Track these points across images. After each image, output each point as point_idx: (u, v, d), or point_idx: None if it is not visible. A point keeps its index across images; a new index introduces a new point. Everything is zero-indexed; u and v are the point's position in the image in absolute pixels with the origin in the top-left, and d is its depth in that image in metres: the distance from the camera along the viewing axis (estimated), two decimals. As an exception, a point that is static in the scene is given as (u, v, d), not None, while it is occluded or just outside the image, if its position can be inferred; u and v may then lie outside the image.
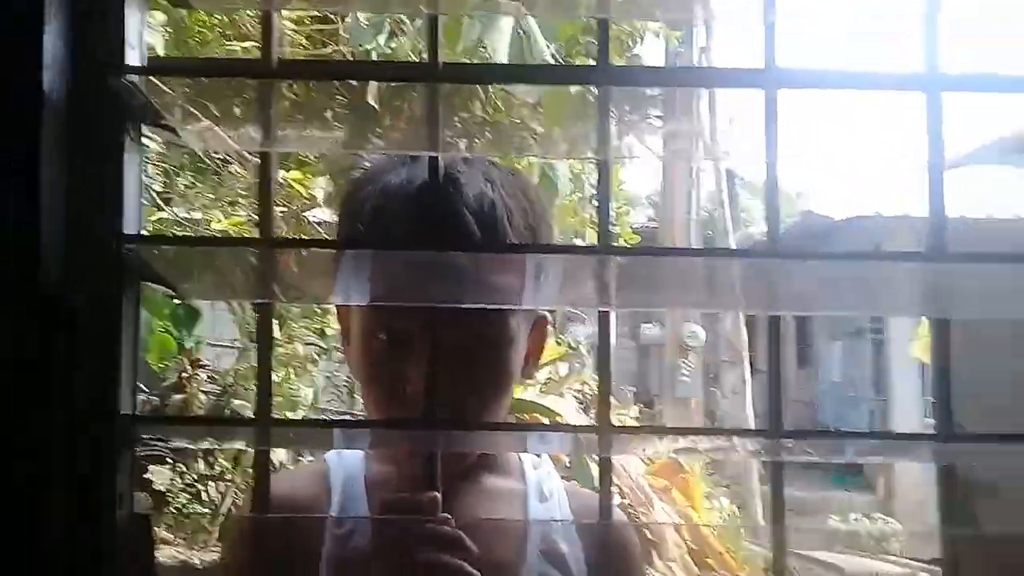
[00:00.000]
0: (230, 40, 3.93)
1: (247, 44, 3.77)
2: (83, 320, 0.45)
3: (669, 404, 9.08)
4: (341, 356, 0.89)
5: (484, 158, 0.90)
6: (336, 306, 0.96)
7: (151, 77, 0.59)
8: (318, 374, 4.19)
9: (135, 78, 0.55)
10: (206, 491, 3.21)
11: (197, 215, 4.07)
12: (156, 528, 2.90)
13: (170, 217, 3.98)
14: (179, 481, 3.30)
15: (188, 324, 5.09)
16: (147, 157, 3.95)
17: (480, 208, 0.79)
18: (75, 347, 0.44)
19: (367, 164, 0.92)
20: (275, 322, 3.63)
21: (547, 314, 0.92)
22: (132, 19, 0.53)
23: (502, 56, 2.77)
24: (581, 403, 3.47)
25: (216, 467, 3.34)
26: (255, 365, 0.54)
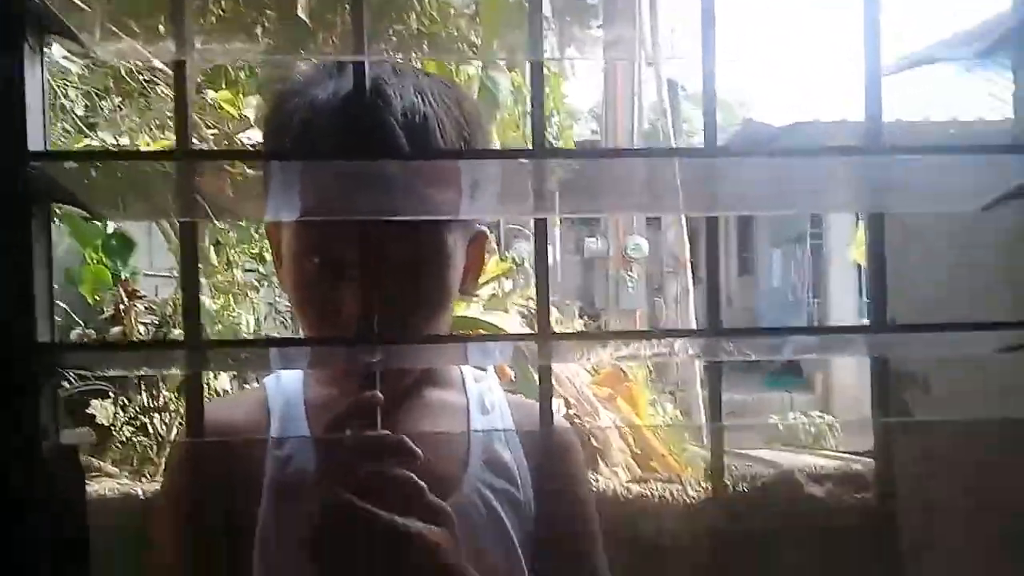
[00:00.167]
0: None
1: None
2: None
3: (614, 316, 9.21)
4: (282, 281, 0.86)
5: (416, 68, 0.87)
6: (266, 227, 0.94)
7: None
8: (259, 301, 4.13)
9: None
10: (151, 423, 3.17)
11: (124, 140, 3.91)
12: (93, 460, 2.88)
13: (97, 144, 3.82)
14: (122, 415, 3.26)
15: (123, 254, 4.96)
16: (68, 81, 3.75)
17: (410, 120, 0.76)
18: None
19: (295, 77, 0.88)
20: (212, 248, 3.55)
21: (485, 228, 0.91)
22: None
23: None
24: (525, 318, 3.49)
25: (160, 399, 3.30)
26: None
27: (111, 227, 4.56)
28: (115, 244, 4.80)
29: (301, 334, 0.83)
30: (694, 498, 1.49)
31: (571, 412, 2.95)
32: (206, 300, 3.70)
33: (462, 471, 0.84)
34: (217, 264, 3.98)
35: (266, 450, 0.83)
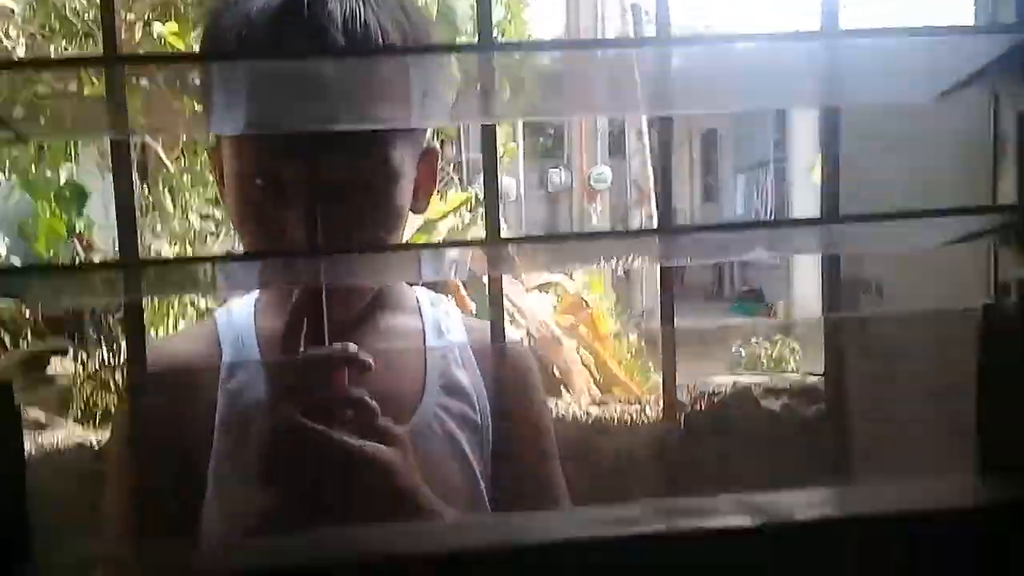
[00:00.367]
0: None
1: None
2: None
3: (580, 249, 9.22)
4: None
5: None
6: (209, 152, 0.90)
7: None
8: (219, 248, 4.06)
9: None
10: (112, 379, 3.14)
11: (72, 85, 3.78)
12: (56, 417, 2.85)
13: (43, 89, 3.68)
14: (82, 371, 3.22)
15: (76, 205, 4.84)
16: (10, 20, 3.60)
17: (351, 27, 0.73)
18: None
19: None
20: (166, 193, 3.45)
21: (436, 145, 0.88)
22: None
23: None
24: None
25: (120, 356, 3.26)
26: (149, 242, 0.50)
27: (62, 177, 4.44)
28: (67, 194, 4.68)
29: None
30: (652, 419, 1.51)
31: (533, 344, 2.96)
32: (164, 247, 3.63)
33: (419, 394, 0.84)
34: (172, 211, 3.90)
35: (217, 382, 0.81)
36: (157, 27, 3.45)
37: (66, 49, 3.98)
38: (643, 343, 4.11)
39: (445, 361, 0.86)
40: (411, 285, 0.95)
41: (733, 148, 14.21)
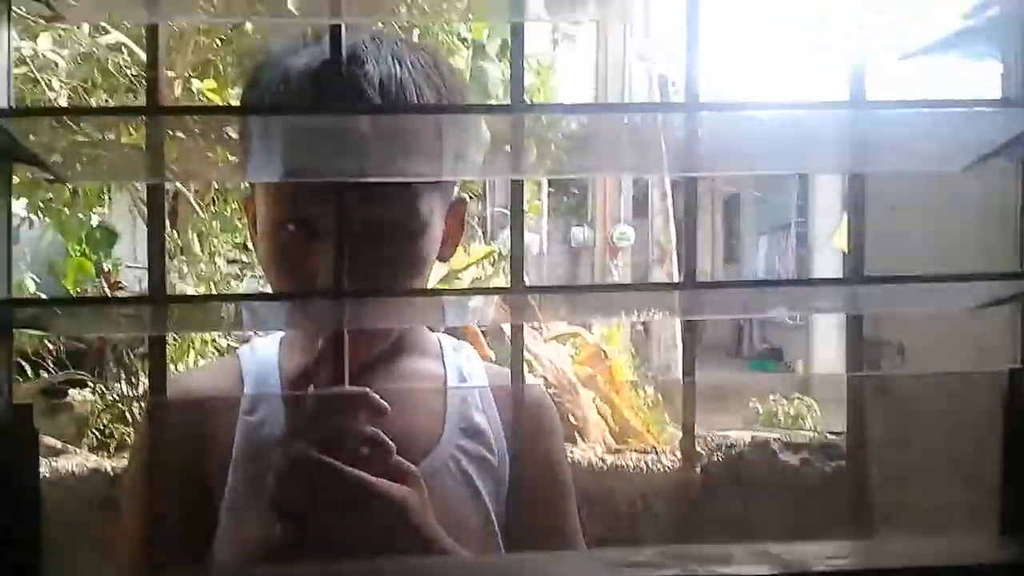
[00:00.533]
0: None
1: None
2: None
3: (601, 305, 9.20)
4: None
5: (394, 36, 0.85)
6: (242, 201, 0.93)
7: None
8: (242, 289, 4.10)
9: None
10: (129, 412, 3.16)
11: (111, 134, 3.87)
12: (70, 447, 2.86)
13: (82, 138, 3.78)
14: (100, 403, 3.24)
15: (105, 246, 4.92)
16: (55, 73, 3.70)
17: (387, 87, 0.75)
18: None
19: (270, 49, 0.86)
20: (194, 237, 3.51)
21: (464, 196, 0.90)
22: None
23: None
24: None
25: (139, 387, 3.28)
26: (175, 284, 0.51)
27: (95, 219, 4.52)
28: (98, 236, 4.77)
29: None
30: (668, 468, 1.50)
31: (552, 392, 2.96)
32: (188, 289, 3.67)
33: (437, 435, 0.84)
34: (200, 254, 3.96)
35: (237, 415, 0.82)
36: (196, 84, 3.54)
37: (107, 102, 4.09)
38: (660, 396, 4.07)
39: (465, 403, 0.87)
40: (433, 331, 0.96)
41: (756, 211, 14.23)
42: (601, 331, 3.87)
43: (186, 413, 0.79)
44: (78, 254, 4.58)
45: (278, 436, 0.75)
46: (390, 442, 0.66)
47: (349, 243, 0.60)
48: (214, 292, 3.72)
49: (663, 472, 1.49)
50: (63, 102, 3.92)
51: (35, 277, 4.75)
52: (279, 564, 0.65)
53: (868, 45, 0.54)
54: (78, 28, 3.63)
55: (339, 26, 0.59)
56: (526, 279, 0.53)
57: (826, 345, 10.10)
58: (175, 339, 3.26)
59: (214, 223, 3.92)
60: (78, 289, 4.48)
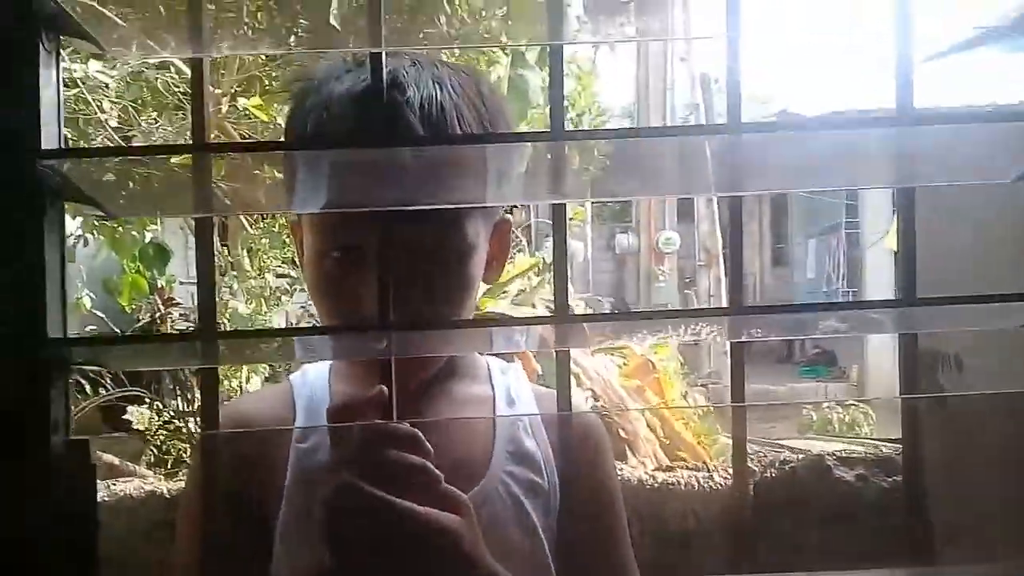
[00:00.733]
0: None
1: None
2: (2, 242, 0.42)
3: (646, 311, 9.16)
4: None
5: (435, 59, 0.86)
6: (290, 225, 0.94)
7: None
8: (292, 305, 4.17)
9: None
10: (185, 427, 3.22)
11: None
12: (129, 464, 2.92)
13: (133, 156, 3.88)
14: (157, 419, 3.32)
15: (158, 263, 5.04)
16: (105, 94, 3.81)
17: (428, 111, 0.75)
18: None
19: (313, 74, 0.87)
20: (244, 253, 3.57)
21: (509, 217, 0.90)
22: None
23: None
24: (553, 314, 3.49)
25: (194, 403, 3.35)
26: (227, 299, 0.52)
27: (147, 237, 4.64)
28: (151, 253, 4.88)
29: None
30: (720, 485, 1.47)
31: (599, 404, 2.94)
32: (239, 305, 3.74)
33: (486, 461, 0.84)
34: (250, 270, 4.03)
35: (289, 444, 0.83)
36: (242, 100, 3.60)
37: (155, 121, 4.18)
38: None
39: (514, 428, 0.87)
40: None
41: (804, 213, 14.02)
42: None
43: (239, 442, 0.80)
44: (132, 271, 4.69)
45: (330, 464, 0.76)
46: (437, 472, 0.66)
47: (396, 267, 0.61)
48: (264, 307, 3.78)
49: (715, 490, 1.46)
50: (113, 123, 4.03)
51: (91, 294, 4.88)
52: None
53: (911, 52, 0.53)
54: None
55: (380, 54, 0.60)
56: (571, 288, 0.53)
57: (880, 349, 9.90)
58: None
59: (263, 239, 3.99)
60: (133, 305, 4.59)
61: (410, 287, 0.72)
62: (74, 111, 3.67)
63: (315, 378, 0.89)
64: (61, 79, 0.54)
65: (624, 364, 3.34)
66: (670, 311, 0.54)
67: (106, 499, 1.42)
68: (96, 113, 3.80)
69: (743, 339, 0.53)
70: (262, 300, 3.81)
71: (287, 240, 4.01)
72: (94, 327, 4.81)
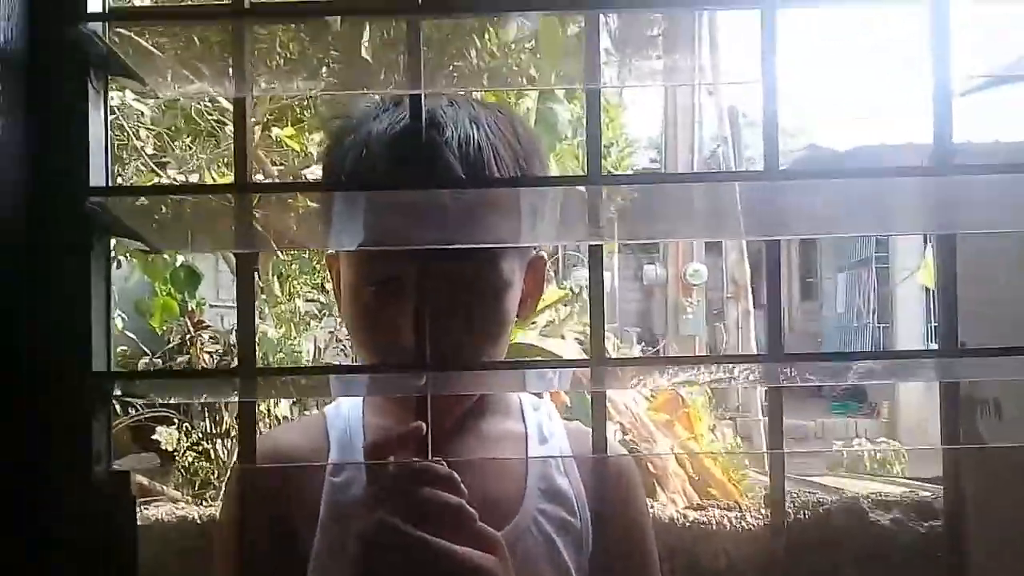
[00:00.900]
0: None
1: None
2: (50, 276, 0.43)
3: (673, 342, 9.10)
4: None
5: (471, 99, 0.87)
6: (327, 258, 0.95)
7: (116, 27, 0.57)
8: (320, 330, 4.19)
9: (96, 26, 0.53)
10: (213, 449, 3.24)
11: (194, 177, 4.04)
12: (156, 484, 2.94)
13: (166, 181, 3.96)
14: (186, 440, 3.34)
15: (189, 286, 5.10)
16: (140, 122, 3.88)
17: (465, 150, 0.76)
18: (44, 304, 0.43)
19: (351, 113, 0.89)
20: (275, 279, 3.61)
21: (544, 254, 0.90)
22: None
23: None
24: (582, 344, 3.48)
25: (223, 425, 3.37)
26: (256, 322, 0.53)
27: (179, 260, 4.70)
28: (182, 276, 4.94)
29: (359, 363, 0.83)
30: (753, 526, 1.45)
31: (628, 438, 2.91)
32: (269, 329, 3.77)
33: (519, 499, 0.84)
34: (280, 295, 4.06)
35: (323, 476, 0.83)
36: (276, 130, 3.66)
37: (190, 148, 4.25)
38: (739, 439, 3.99)
39: (546, 467, 0.86)
40: None
41: (833, 245, 13.87)
42: (676, 372, 3.79)
43: (273, 474, 0.81)
44: (164, 294, 4.75)
45: (366, 500, 0.76)
46: (472, 510, 0.66)
47: (433, 301, 0.61)
48: (293, 332, 3.80)
49: (748, 531, 1.44)
50: (149, 150, 4.10)
51: (123, 315, 4.95)
52: None
53: (949, 88, 0.52)
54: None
55: (419, 97, 0.61)
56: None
57: (912, 386, 9.72)
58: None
59: (293, 265, 4.02)
60: (164, 327, 4.64)
61: (447, 321, 0.72)
62: (111, 139, 3.74)
63: (349, 410, 0.89)
64: (108, 117, 0.56)
65: (652, 397, 3.32)
66: (704, 357, 0.54)
67: (139, 524, 1.43)
68: (131, 140, 3.87)
69: (779, 384, 0.53)
70: (292, 325, 3.84)
71: (317, 266, 4.05)
72: (125, 347, 4.87)
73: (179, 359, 4.27)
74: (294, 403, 3.41)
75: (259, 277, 4.09)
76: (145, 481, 3.05)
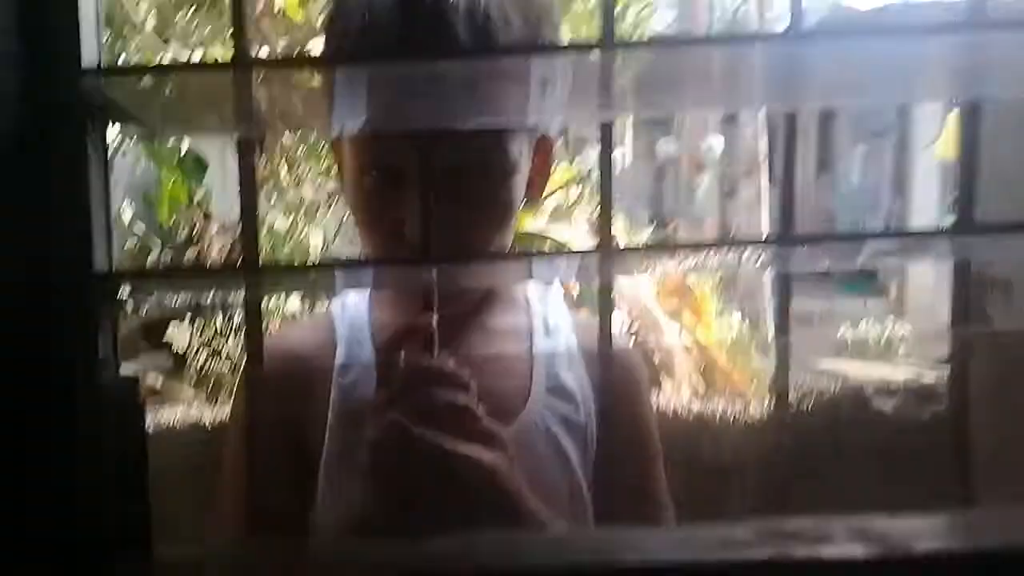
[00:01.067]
0: None
1: None
2: (44, 168, 0.42)
3: (685, 223, 9.04)
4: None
5: None
6: (331, 143, 0.92)
7: None
8: (330, 218, 4.17)
9: None
10: (226, 345, 3.27)
11: (198, 53, 3.93)
12: (169, 383, 2.99)
13: (171, 57, 3.85)
14: (198, 338, 3.37)
15: (196, 174, 5.06)
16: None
17: (472, 14, 0.72)
18: (37, 198, 0.41)
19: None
20: (282, 163, 3.56)
21: (552, 134, 0.87)
22: None
23: None
24: (593, 227, 3.45)
25: (235, 320, 3.39)
26: (264, 213, 0.52)
27: (184, 147, 4.64)
28: (189, 164, 4.90)
29: (364, 252, 0.82)
30: (757, 417, 1.47)
31: (635, 326, 2.93)
32: (277, 219, 3.75)
33: (525, 396, 0.84)
34: (287, 182, 4.02)
35: (331, 376, 0.83)
36: (278, 2, 3.54)
37: (193, 19, 4.11)
38: (747, 323, 4.01)
39: (552, 362, 0.86)
40: None
41: (852, 115, 13.56)
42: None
43: (282, 376, 0.81)
44: (171, 182, 4.72)
45: (371, 399, 0.76)
46: (477, 409, 0.66)
47: (437, 188, 0.60)
48: (301, 222, 3.78)
49: (751, 423, 1.46)
50: (151, 23, 3.97)
51: (133, 204, 4.93)
52: (372, 532, 0.67)
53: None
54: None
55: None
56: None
57: (922, 265, 9.69)
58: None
59: (299, 150, 3.97)
60: (172, 217, 4.63)
61: (452, 206, 0.70)
62: (110, 9, 3.63)
63: (354, 309, 0.88)
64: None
65: (661, 284, 3.32)
66: (712, 243, 0.53)
67: (150, 429, 1.45)
68: (132, 15, 3.75)
69: (789, 270, 0.52)
70: (300, 213, 3.81)
71: (325, 151, 3.99)
72: (136, 236, 4.87)
73: (188, 251, 4.28)
74: (303, 298, 3.44)
75: (266, 163, 4.04)
76: (158, 385, 3.09)
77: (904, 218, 11.30)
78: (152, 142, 4.04)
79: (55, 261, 0.40)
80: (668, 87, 0.57)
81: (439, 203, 0.58)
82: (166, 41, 4.02)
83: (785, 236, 0.46)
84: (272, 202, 3.85)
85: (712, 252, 0.52)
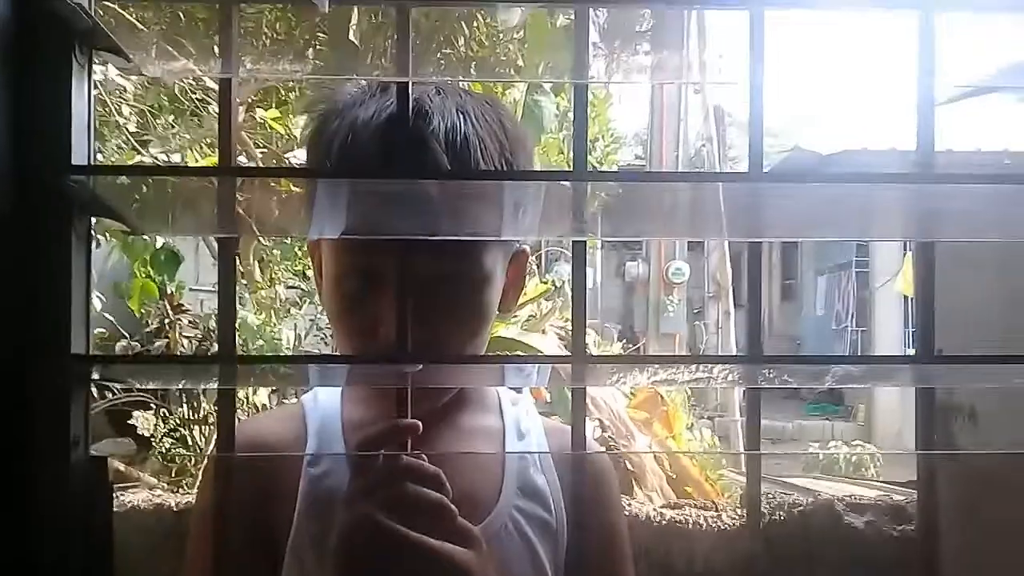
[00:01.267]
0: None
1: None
2: (29, 256, 0.42)
3: (654, 340, 9.14)
4: (325, 298, 0.87)
5: (459, 88, 0.87)
6: (308, 245, 0.94)
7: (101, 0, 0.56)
8: (301, 317, 4.17)
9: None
10: (190, 435, 3.22)
11: (176, 157, 4.00)
12: (133, 470, 2.91)
13: (148, 160, 3.91)
14: (163, 426, 3.31)
15: (169, 269, 5.05)
16: (123, 98, 3.83)
17: (451, 140, 0.76)
18: (21, 283, 0.42)
19: (337, 98, 0.88)
20: (256, 265, 3.59)
21: (526, 248, 0.90)
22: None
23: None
24: (563, 340, 3.48)
25: (200, 411, 3.34)
26: (237, 308, 0.52)
27: (159, 242, 4.65)
28: (162, 259, 4.89)
29: (339, 352, 0.83)
30: (729, 525, 1.46)
31: (606, 435, 2.92)
32: (249, 316, 3.74)
33: (496, 496, 0.83)
34: (261, 281, 4.04)
35: (301, 467, 0.82)
36: (260, 112, 3.63)
37: (173, 126, 4.20)
38: (716, 439, 4.01)
39: (524, 464, 0.86)
40: None
41: (814, 248, 13.99)
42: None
43: (251, 464, 0.80)
44: (143, 275, 4.70)
45: (341, 489, 0.75)
46: (452, 506, 0.66)
47: (413, 294, 0.61)
48: (274, 319, 3.77)
49: (724, 530, 1.45)
50: (132, 128, 4.05)
51: (101, 296, 4.89)
52: None
53: (933, 97, 0.53)
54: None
55: (407, 85, 0.60)
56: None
57: (889, 389, 9.82)
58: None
59: (275, 251, 4.00)
60: (143, 310, 4.60)
61: (427, 312, 0.72)
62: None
63: (326, 401, 0.88)
64: (92, 93, 0.55)
65: (632, 395, 3.33)
66: (686, 356, 0.54)
67: (116, 510, 1.41)
68: (114, 116, 3.82)
69: (758, 387, 0.53)
70: (272, 311, 3.81)
71: (298, 252, 4.02)
72: (103, 329, 4.81)
73: (157, 343, 4.23)
74: (273, 391, 3.40)
75: (240, 262, 4.06)
76: (122, 467, 3.02)
77: (868, 347, 11.51)
78: (131, 237, 4.04)
79: (33, 343, 0.40)
80: (635, 215, 0.60)
81: (415, 308, 0.59)
82: (145, 144, 4.08)
83: (754, 355, 0.48)
84: (244, 299, 3.84)
85: (683, 367, 0.53)
